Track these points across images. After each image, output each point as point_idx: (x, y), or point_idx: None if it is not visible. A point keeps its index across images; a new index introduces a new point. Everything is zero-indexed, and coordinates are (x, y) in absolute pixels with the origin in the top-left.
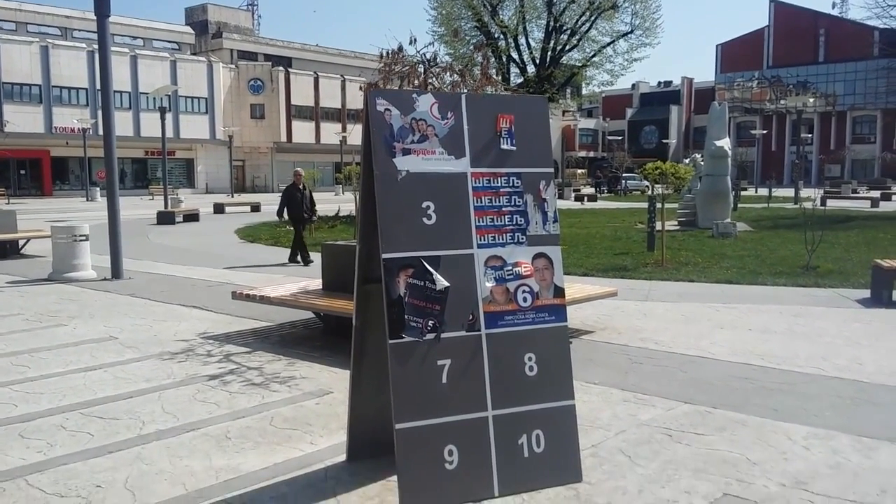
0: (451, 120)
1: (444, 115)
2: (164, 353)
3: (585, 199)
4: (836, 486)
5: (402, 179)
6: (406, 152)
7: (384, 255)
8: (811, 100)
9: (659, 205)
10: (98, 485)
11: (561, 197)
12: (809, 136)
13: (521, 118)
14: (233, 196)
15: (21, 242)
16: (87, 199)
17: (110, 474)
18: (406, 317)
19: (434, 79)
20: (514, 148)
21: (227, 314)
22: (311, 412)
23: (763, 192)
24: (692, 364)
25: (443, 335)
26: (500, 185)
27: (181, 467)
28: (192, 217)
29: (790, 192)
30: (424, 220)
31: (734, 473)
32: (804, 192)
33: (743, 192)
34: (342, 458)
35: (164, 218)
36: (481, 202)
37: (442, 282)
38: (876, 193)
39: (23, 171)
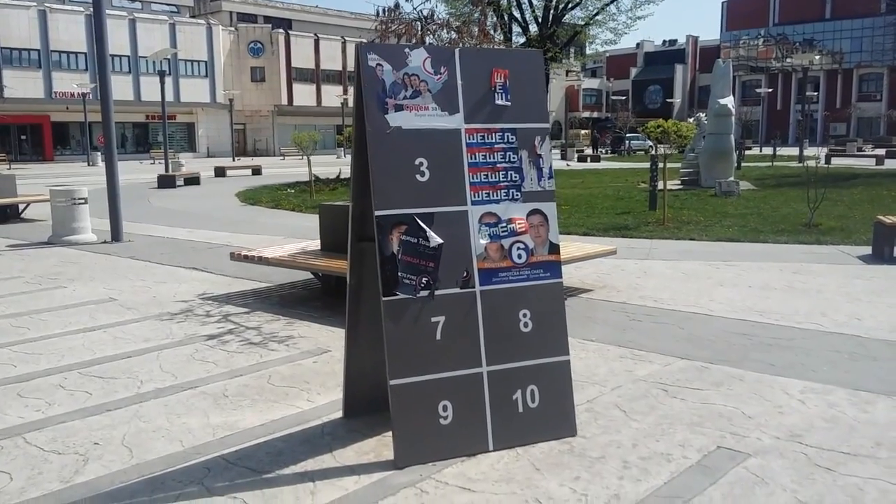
0: (445, 75)
1: (437, 70)
2: (163, 313)
3: (588, 159)
4: (831, 438)
5: (395, 136)
6: (398, 108)
7: (377, 213)
8: (817, 57)
9: (661, 164)
10: (96, 442)
11: (564, 158)
12: (815, 94)
13: (516, 73)
14: (234, 160)
15: (21, 207)
16: (89, 164)
17: (108, 432)
18: (400, 274)
19: (431, 36)
20: (509, 103)
21: (227, 275)
22: (309, 370)
23: (768, 151)
24: (691, 321)
25: (437, 292)
26: (494, 141)
27: (178, 425)
28: (192, 181)
29: (795, 151)
30: (418, 176)
31: (729, 427)
32: (809, 151)
33: (747, 152)
34: (339, 414)
35: (165, 182)
36: (475, 158)
37: (435, 239)
38: (881, 151)
39: (23, 137)
